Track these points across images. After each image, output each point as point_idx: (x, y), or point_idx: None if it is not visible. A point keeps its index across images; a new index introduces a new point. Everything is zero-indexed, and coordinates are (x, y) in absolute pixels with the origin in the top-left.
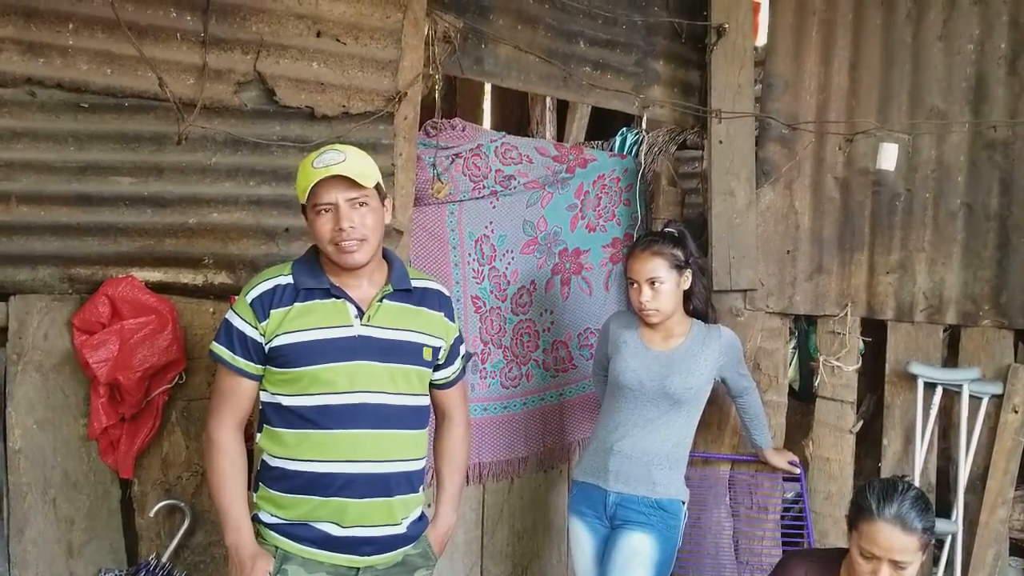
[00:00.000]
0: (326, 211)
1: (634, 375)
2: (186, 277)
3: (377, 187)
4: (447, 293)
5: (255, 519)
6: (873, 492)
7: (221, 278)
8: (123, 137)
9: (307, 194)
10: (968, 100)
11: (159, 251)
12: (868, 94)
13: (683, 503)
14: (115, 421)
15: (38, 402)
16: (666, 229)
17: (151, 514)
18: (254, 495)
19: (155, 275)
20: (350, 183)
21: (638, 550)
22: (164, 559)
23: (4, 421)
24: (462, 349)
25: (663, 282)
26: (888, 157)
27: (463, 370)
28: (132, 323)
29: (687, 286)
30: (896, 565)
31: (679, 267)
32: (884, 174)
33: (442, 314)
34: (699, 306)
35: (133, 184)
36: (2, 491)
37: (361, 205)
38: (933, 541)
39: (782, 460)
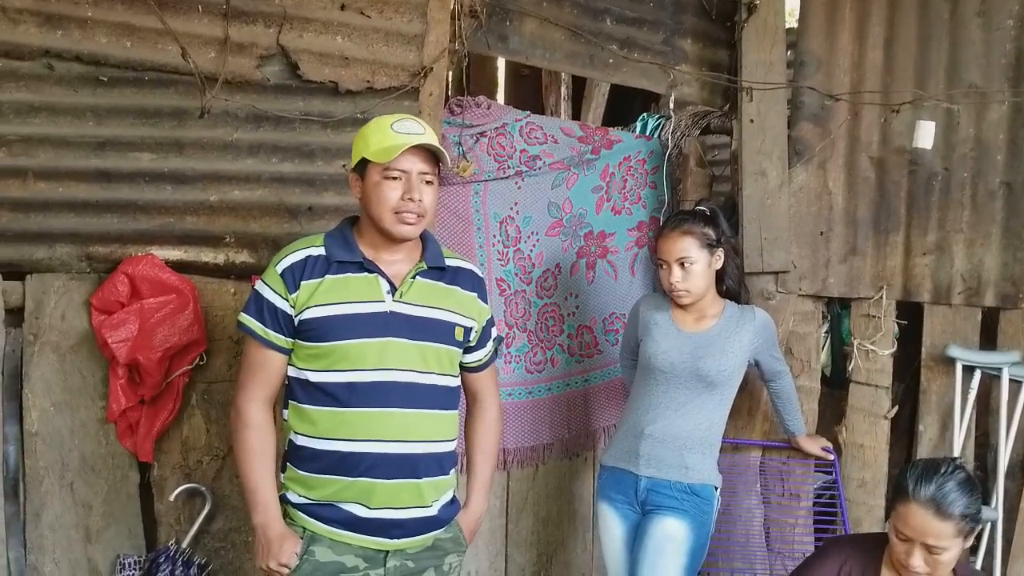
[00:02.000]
0: (396, 178)
1: (666, 357)
2: (207, 256)
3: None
4: (481, 274)
5: (283, 499)
6: (914, 472)
7: (243, 257)
8: (143, 112)
9: (383, 157)
10: (1008, 77)
11: (179, 229)
12: (904, 72)
13: (716, 488)
14: (134, 403)
15: (55, 384)
16: (697, 208)
17: (171, 499)
18: (282, 475)
19: (175, 254)
20: (427, 157)
21: (672, 535)
22: (184, 545)
23: (20, 403)
24: (494, 332)
25: (694, 262)
26: (925, 135)
27: (495, 353)
28: (152, 302)
29: (719, 266)
30: (930, 549)
31: (710, 246)
32: (921, 153)
33: (475, 295)
34: (732, 286)
35: (153, 160)
36: (18, 475)
37: (428, 183)
38: (977, 528)
39: (815, 446)
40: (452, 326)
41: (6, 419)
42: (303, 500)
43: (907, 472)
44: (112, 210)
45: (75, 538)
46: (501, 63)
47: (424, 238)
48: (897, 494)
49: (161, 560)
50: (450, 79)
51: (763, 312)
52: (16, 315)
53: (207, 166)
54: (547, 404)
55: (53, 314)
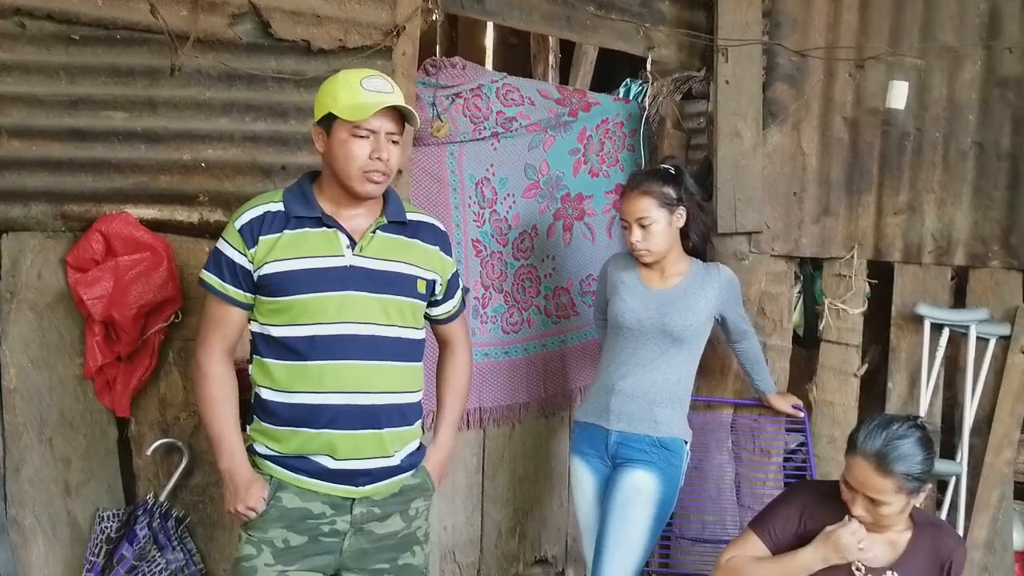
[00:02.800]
0: (364, 137)
1: (633, 315)
2: (181, 215)
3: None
4: (443, 228)
5: (251, 451)
6: (868, 425)
7: (216, 216)
8: (115, 70)
9: (353, 115)
10: (981, 36)
11: (153, 188)
12: (879, 32)
13: (685, 442)
14: (111, 360)
15: (32, 341)
16: (662, 165)
17: (148, 454)
18: (248, 428)
19: (149, 212)
20: (395, 117)
21: (640, 487)
22: (162, 498)
23: None
24: (460, 283)
25: (653, 221)
26: (898, 95)
27: (463, 304)
28: (127, 260)
29: (681, 224)
30: (871, 501)
31: (670, 205)
32: (894, 113)
33: (437, 248)
34: (697, 243)
35: (126, 119)
36: None
37: (395, 142)
38: (925, 488)
39: (786, 404)
40: (414, 279)
41: None
42: (270, 452)
43: (862, 424)
44: (86, 169)
45: (55, 492)
46: (490, 31)
47: (385, 194)
48: (848, 444)
49: (139, 513)
50: (437, 43)
51: (728, 270)
52: None
53: (180, 125)
54: (523, 364)
55: (29, 272)
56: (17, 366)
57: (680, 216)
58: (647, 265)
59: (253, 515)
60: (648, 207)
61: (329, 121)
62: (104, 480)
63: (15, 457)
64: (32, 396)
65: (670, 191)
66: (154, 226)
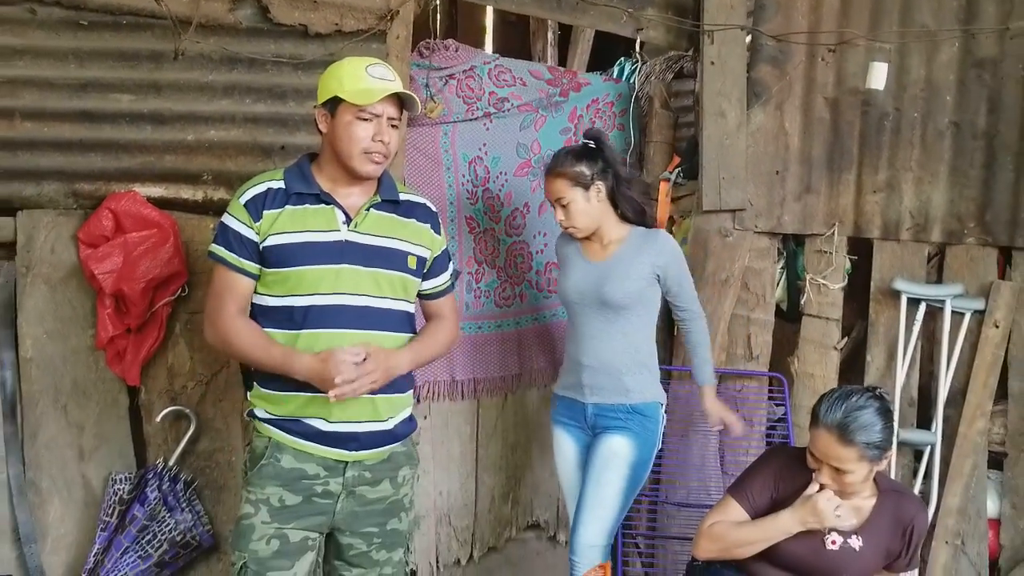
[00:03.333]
0: (367, 120)
1: (575, 288)
2: (186, 193)
3: None
4: (434, 208)
5: (251, 415)
6: (829, 399)
7: (220, 194)
8: (122, 55)
9: (360, 99)
10: (959, 19)
11: (159, 167)
12: (859, 14)
13: (661, 404)
14: (121, 331)
15: (47, 313)
16: (581, 140)
17: (158, 420)
18: (248, 394)
19: (156, 190)
20: (395, 103)
21: (617, 451)
22: (171, 463)
23: (15, 331)
24: (451, 265)
25: (568, 201)
26: (878, 76)
27: (452, 284)
28: (135, 236)
29: (600, 198)
30: (836, 470)
31: (583, 184)
32: (873, 94)
33: (428, 226)
34: (628, 212)
35: (132, 101)
36: (15, 398)
37: (394, 127)
38: (886, 455)
39: (715, 413)
40: (405, 255)
41: (3, 346)
42: (268, 416)
43: (823, 398)
44: (95, 149)
45: (69, 456)
46: (489, 11)
47: (380, 175)
48: (811, 417)
49: (150, 477)
50: (437, 23)
51: (667, 235)
52: (9, 249)
53: (184, 107)
54: (516, 337)
55: (43, 248)
56: (33, 337)
57: (599, 191)
58: (588, 239)
59: (345, 379)
60: (562, 188)
61: (334, 104)
62: (116, 445)
63: (32, 423)
64: (47, 365)
65: (583, 169)
66: (160, 204)
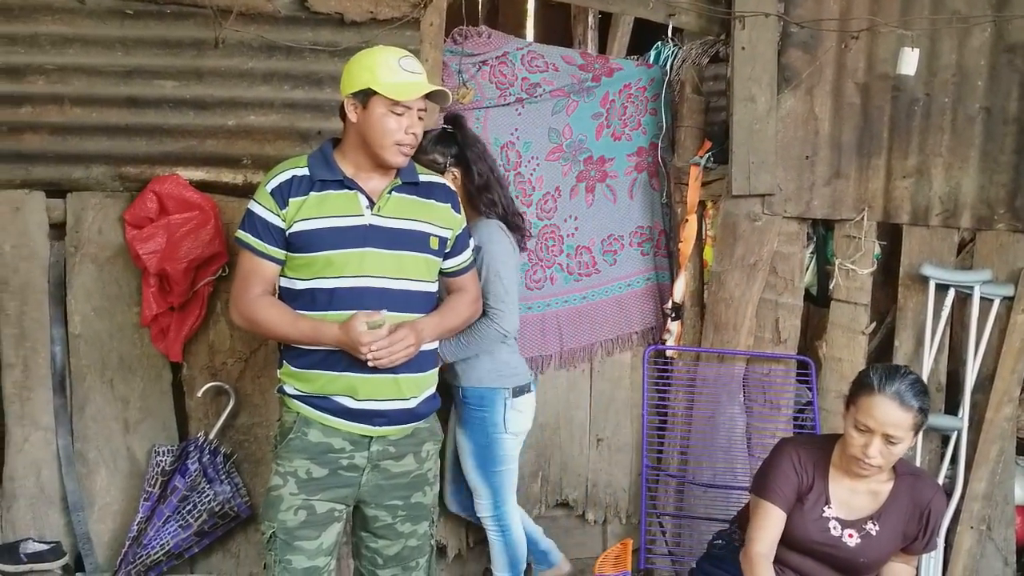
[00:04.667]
0: (400, 114)
1: None
2: (226, 176)
3: None
4: (452, 188)
5: (280, 391)
6: (876, 372)
7: (259, 178)
8: (166, 42)
9: (396, 93)
10: (991, 4)
11: (201, 151)
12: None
13: (495, 389)
14: (164, 309)
15: (94, 291)
16: (439, 125)
17: (199, 395)
18: (278, 371)
19: (198, 174)
20: (424, 96)
21: (461, 444)
22: (211, 436)
23: (65, 308)
24: (472, 242)
25: None
26: (909, 62)
27: (473, 261)
28: (178, 218)
29: (457, 185)
30: (888, 439)
31: (436, 170)
32: (904, 79)
33: (448, 205)
34: (479, 203)
35: (176, 87)
36: (64, 372)
37: (421, 117)
38: (924, 424)
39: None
40: (427, 236)
41: (53, 322)
42: (297, 392)
43: (869, 372)
44: (140, 133)
45: (115, 429)
46: None
47: None
48: (861, 389)
49: (191, 449)
50: (476, 8)
51: (485, 221)
52: (59, 229)
53: (225, 93)
54: (546, 319)
55: (91, 228)
56: (81, 314)
57: (454, 177)
58: None
59: (369, 345)
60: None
61: (366, 95)
62: (159, 419)
63: (80, 396)
64: (94, 341)
65: (436, 156)
66: (202, 187)
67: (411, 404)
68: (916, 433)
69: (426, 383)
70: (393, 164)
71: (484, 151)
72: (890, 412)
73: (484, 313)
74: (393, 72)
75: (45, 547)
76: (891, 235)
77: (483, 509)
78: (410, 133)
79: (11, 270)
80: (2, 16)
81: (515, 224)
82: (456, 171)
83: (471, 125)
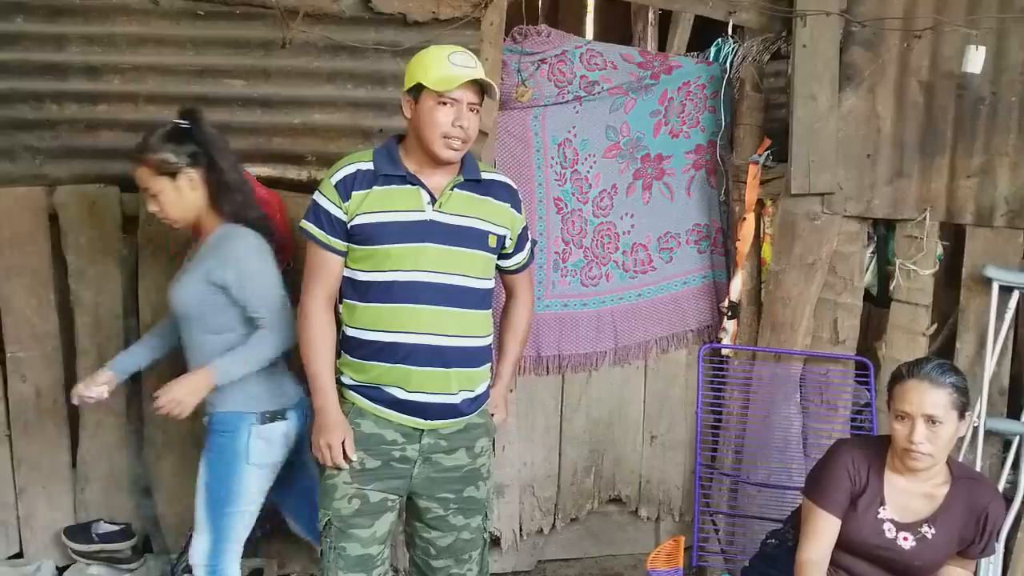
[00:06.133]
0: (449, 105)
1: (170, 299)
2: (292, 173)
3: None
4: (514, 186)
5: (338, 381)
6: (907, 364)
7: (322, 175)
8: (235, 43)
9: (441, 85)
10: None
11: (268, 148)
12: None
13: (244, 413)
14: None
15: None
16: (174, 119)
17: None
18: (337, 361)
19: (265, 170)
20: (476, 89)
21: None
22: None
23: (137, 299)
24: (529, 239)
25: (158, 192)
26: (974, 60)
27: (531, 257)
28: None
29: (195, 186)
30: (929, 420)
31: (168, 173)
32: (969, 77)
33: (508, 205)
34: (224, 206)
35: (244, 86)
36: None
37: (474, 111)
38: (968, 412)
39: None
40: (485, 234)
41: (127, 313)
42: (353, 382)
43: (899, 367)
44: None
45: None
46: None
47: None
48: (894, 382)
49: None
50: (530, 8)
51: (230, 228)
52: (132, 223)
53: (291, 92)
54: (601, 315)
55: (162, 223)
56: (151, 304)
57: (190, 179)
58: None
59: (335, 451)
60: (144, 177)
61: (418, 91)
62: None
63: (150, 383)
64: None
65: (169, 156)
66: (268, 183)
67: (455, 399)
68: (960, 415)
69: (479, 377)
70: (442, 158)
71: (227, 148)
72: (923, 392)
73: (262, 322)
74: (441, 66)
75: (115, 528)
76: (954, 236)
77: (197, 554)
78: (457, 126)
79: (88, 261)
80: (81, 17)
81: (267, 228)
82: (193, 172)
83: (528, 123)
